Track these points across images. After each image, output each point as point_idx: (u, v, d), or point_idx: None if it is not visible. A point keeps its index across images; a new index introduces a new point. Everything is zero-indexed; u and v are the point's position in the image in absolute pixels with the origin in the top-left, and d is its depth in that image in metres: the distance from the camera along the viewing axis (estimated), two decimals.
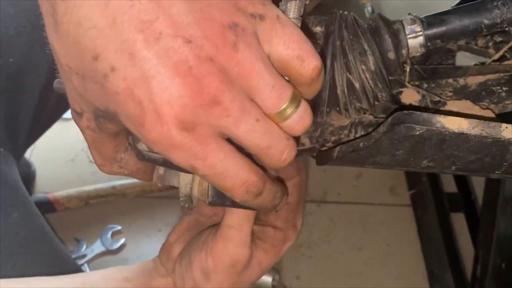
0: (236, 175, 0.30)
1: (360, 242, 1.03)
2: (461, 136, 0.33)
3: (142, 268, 0.49)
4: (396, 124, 0.33)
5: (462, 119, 0.32)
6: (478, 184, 0.97)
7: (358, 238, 1.03)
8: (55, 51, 0.29)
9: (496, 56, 0.45)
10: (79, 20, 0.26)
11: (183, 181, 0.37)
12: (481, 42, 0.47)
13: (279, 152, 0.30)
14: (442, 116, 0.33)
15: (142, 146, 0.34)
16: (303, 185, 0.46)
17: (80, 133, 0.33)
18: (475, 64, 0.45)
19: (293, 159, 0.31)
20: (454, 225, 0.97)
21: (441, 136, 0.33)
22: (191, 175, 0.38)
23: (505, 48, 0.45)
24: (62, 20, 0.27)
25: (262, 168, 0.32)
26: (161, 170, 0.38)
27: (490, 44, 0.46)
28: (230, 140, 0.30)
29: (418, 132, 0.33)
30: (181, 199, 0.37)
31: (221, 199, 0.37)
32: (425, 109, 0.41)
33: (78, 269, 0.59)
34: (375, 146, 0.35)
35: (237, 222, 0.42)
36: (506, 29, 0.38)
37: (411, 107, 0.42)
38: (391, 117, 0.34)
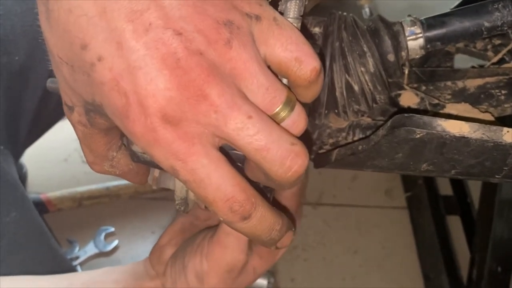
0: (219, 187, 0.27)
1: (355, 244, 1.02)
2: (462, 140, 0.32)
3: (132, 270, 0.48)
4: (396, 127, 0.32)
5: (463, 122, 0.32)
6: (474, 187, 0.97)
7: (353, 241, 1.03)
8: (47, 41, 0.28)
9: (495, 59, 0.44)
10: (70, 7, 0.26)
11: (178, 183, 0.36)
12: (479, 44, 0.46)
13: (280, 157, 0.27)
14: (442, 119, 0.32)
15: (136, 148, 0.33)
16: (303, 190, 0.45)
17: (74, 133, 0.32)
18: (473, 66, 0.44)
19: (303, 171, 0.28)
20: (450, 228, 0.97)
21: (442, 140, 0.32)
22: None
23: (504, 51, 0.44)
24: (53, 7, 0.26)
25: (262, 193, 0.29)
26: (156, 172, 0.37)
27: (489, 47, 0.46)
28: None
29: (418, 136, 0.32)
30: (176, 202, 0.36)
31: None
32: (424, 112, 0.41)
33: (74, 270, 0.58)
34: (374, 149, 0.34)
35: None
36: (506, 32, 0.38)
37: (409, 109, 0.41)
38: (391, 120, 0.33)
